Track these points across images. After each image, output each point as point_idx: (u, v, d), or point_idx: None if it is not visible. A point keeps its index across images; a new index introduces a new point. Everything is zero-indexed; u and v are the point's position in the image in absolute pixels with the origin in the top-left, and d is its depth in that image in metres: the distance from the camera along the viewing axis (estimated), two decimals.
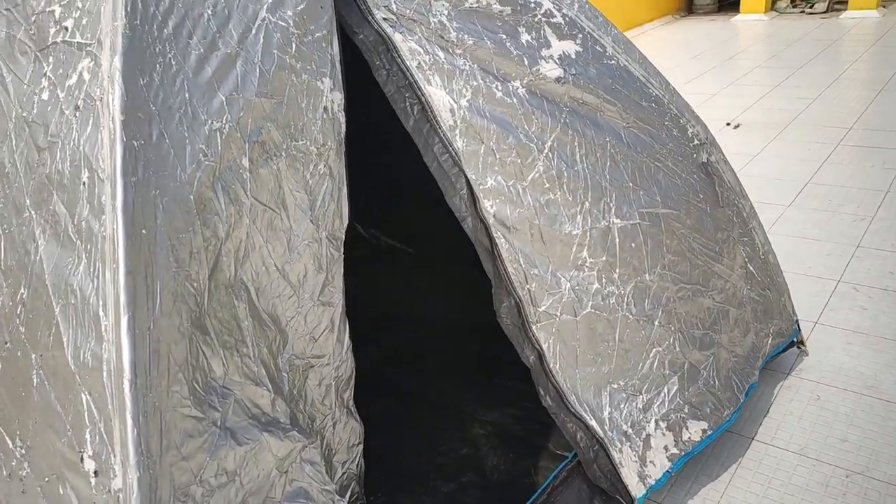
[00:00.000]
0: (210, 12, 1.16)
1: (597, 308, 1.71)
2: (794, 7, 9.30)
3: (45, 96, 1.18)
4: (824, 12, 8.96)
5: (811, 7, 9.11)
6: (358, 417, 1.48)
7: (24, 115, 1.22)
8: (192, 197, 1.01)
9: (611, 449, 1.66)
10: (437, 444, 2.17)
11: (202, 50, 1.11)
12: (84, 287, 0.97)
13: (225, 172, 1.09)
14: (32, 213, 1.16)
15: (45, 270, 1.08)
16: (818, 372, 2.37)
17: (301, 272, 1.26)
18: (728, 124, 5.02)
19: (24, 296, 1.13)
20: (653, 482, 1.71)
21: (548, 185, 1.66)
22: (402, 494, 1.99)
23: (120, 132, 0.94)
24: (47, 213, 1.12)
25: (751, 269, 2.12)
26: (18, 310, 1.14)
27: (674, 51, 7.84)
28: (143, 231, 0.92)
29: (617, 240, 1.74)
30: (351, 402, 1.46)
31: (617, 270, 1.74)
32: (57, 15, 1.19)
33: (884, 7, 8.66)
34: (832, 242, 3.22)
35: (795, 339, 2.34)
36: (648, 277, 1.81)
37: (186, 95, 1.06)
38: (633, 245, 1.79)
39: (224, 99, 1.12)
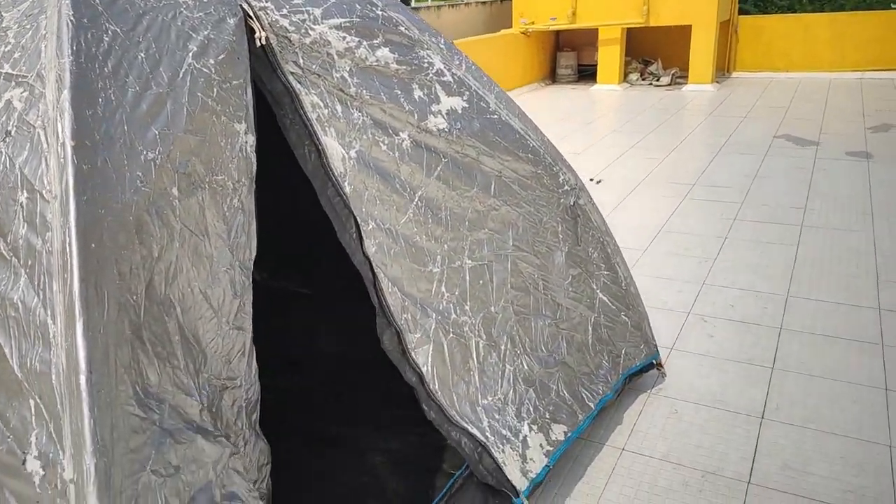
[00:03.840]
0: (143, 55, 1.28)
1: (456, 335, 1.93)
2: (643, 80, 10.38)
3: None
4: (668, 85, 10.07)
5: (657, 80, 10.21)
6: (264, 439, 1.57)
7: None
8: (131, 218, 1.11)
9: (493, 450, 1.84)
10: (337, 476, 2.25)
11: (137, 88, 1.23)
12: (27, 300, 1.04)
13: (158, 199, 1.19)
14: None
15: None
16: (675, 390, 2.69)
17: (220, 297, 1.37)
18: (591, 180, 5.53)
19: None
20: (534, 475, 1.90)
21: (416, 229, 1.87)
22: None
23: (71, 156, 1.03)
24: None
25: (604, 298, 2.41)
26: None
27: (541, 114, 8.50)
28: (93, 245, 1.01)
29: (468, 277, 1.97)
30: (257, 424, 1.55)
31: (468, 303, 1.96)
32: None
33: (718, 82, 9.87)
34: (682, 281, 3.65)
35: (655, 361, 2.65)
36: (493, 309, 2.05)
37: (125, 128, 1.17)
38: (480, 282, 2.03)
39: (157, 133, 1.23)
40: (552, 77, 11.14)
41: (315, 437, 2.40)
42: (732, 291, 3.50)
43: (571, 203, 2.34)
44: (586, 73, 10.97)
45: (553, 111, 8.67)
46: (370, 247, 1.78)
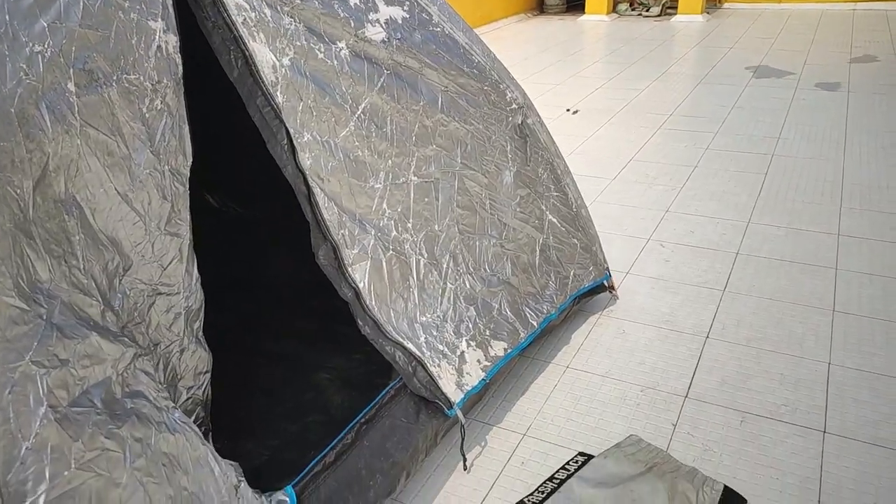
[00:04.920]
0: None
1: (396, 252, 1.92)
2: (633, 10, 10.13)
3: None
4: (658, 16, 9.83)
5: (647, 10, 9.96)
6: (206, 347, 1.58)
7: None
8: (12, 110, 1.08)
9: (429, 365, 1.86)
10: (283, 392, 2.28)
11: None
12: None
13: (49, 93, 1.16)
14: None
15: None
16: (625, 311, 2.71)
17: (146, 200, 1.35)
18: (568, 110, 5.46)
19: None
20: (469, 388, 1.93)
21: (357, 143, 1.84)
22: (246, 439, 2.08)
23: None
24: None
25: (553, 219, 2.40)
26: None
27: (525, 45, 8.32)
28: None
29: (412, 195, 1.95)
30: (200, 333, 1.55)
31: (411, 221, 1.95)
32: None
33: (708, 13, 9.64)
34: (646, 209, 3.65)
35: (606, 283, 2.67)
36: (437, 227, 2.04)
37: (6, 17, 1.12)
38: (426, 200, 2.02)
39: (46, 26, 1.19)
40: (540, 7, 10.85)
41: (262, 354, 2.43)
42: (694, 218, 3.50)
43: (519, 122, 2.31)
44: (575, 4, 10.68)
45: (538, 42, 8.48)
46: (305, 159, 1.74)
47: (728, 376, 2.32)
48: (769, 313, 2.65)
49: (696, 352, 2.45)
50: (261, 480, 1.95)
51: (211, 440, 1.61)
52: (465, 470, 1.98)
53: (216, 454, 1.34)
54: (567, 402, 2.23)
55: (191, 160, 1.50)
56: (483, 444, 2.08)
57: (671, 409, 2.18)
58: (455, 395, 1.89)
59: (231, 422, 2.17)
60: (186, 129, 1.49)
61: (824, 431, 2.05)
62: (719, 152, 4.39)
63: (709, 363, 2.39)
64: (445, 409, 1.87)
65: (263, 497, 1.44)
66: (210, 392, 1.60)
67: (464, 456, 1.93)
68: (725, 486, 1.84)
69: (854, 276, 2.88)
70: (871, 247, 3.10)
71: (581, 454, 2.00)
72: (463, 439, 1.90)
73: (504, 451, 2.05)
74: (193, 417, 1.55)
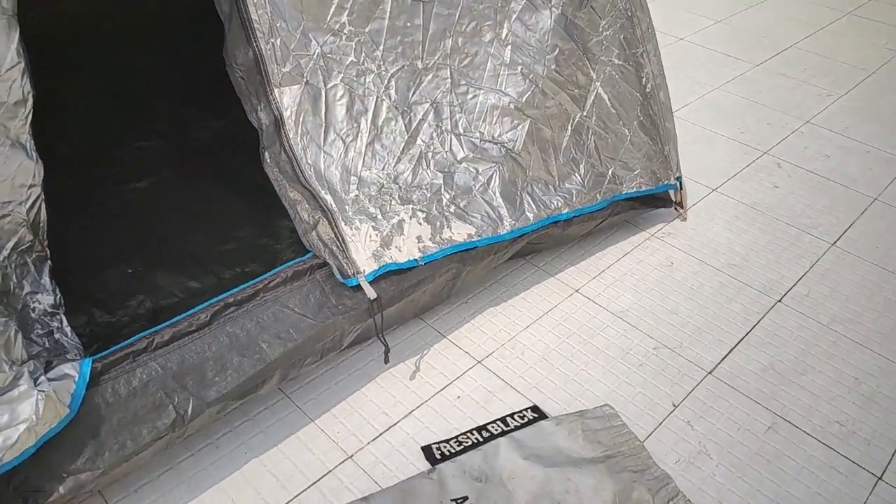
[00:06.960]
0: None
1: (348, 83, 1.43)
2: None
3: None
4: None
5: None
6: (34, 155, 1.22)
7: None
8: None
9: (341, 222, 1.42)
10: (241, 228, 1.94)
11: None
12: None
13: None
14: None
15: None
16: (687, 239, 2.09)
17: None
18: None
19: None
20: (390, 262, 1.46)
21: None
22: (174, 273, 1.77)
23: None
24: None
25: (604, 94, 1.77)
26: None
27: None
28: None
29: (389, 10, 1.41)
30: (24, 138, 1.20)
31: (382, 47, 1.43)
32: None
33: None
34: (782, 113, 2.82)
35: (672, 196, 2.05)
36: (421, 64, 1.50)
37: None
38: (409, 23, 1.47)
39: None
40: None
41: (243, 180, 2.05)
42: (838, 139, 2.66)
43: None
44: None
45: None
46: None
47: (779, 362, 1.72)
48: (879, 291, 1.95)
49: (755, 317, 1.84)
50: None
51: (48, 271, 1.29)
52: (385, 363, 1.57)
53: None
54: (553, 336, 1.74)
55: None
56: (422, 358, 1.67)
57: (682, 383, 1.64)
58: (366, 264, 1.42)
59: (167, 253, 1.88)
60: None
61: (879, 478, 1.47)
62: None
63: (763, 337, 1.78)
64: (346, 274, 1.41)
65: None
66: (45, 212, 1.26)
67: (384, 342, 1.49)
68: None
69: None
70: None
71: (534, 409, 1.54)
72: (380, 321, 1.46)
73: (444, 374, 1.63)
74: (15, 241, 1.23)
